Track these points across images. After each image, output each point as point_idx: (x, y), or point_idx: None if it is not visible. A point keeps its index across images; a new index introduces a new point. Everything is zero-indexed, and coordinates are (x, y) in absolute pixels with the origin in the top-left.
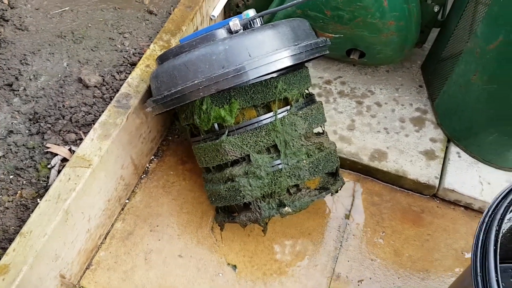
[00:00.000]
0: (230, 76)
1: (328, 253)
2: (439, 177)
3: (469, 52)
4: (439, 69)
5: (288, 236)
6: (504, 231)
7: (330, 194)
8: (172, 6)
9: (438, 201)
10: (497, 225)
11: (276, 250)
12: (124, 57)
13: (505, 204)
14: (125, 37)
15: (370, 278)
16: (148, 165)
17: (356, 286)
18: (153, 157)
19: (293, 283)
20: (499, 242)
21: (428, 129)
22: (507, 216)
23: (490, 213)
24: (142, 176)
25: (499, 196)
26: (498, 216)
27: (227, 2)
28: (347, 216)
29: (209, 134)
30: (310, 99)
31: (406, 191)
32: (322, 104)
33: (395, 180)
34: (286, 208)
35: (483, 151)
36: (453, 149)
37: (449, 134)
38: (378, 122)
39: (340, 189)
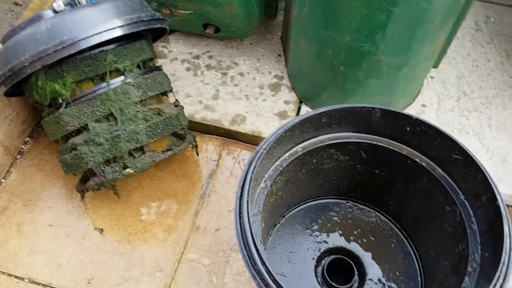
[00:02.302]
0: (51, 52)
1: (190, 209)
2: None
3: (295, 19)
4: (287, 37)
5: (155, 199)
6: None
7: (174, 154)
8: None
9: None
10: (257, 159)
11: (142, 212)
12: None
13: (267, 142)
14: None
15: (226, 226)
16: (23, 146)
17: (213, 235)
18: (28, 138)
19: (155, 239)
20: (255, 172)
21: (283, 93)
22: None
23: (257, 150)
24: (17, 157)
25: (269, 137)
26: (261, 151)
27: None
28: (211, 176)
29: (51, 109)
30: (148, 70)
31: None
32: (163, 73)
33: (253, 140)
34: (128, 169)
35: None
36: (304, 108)
37: (300, 96)
38: (240, 90)
39: (196, 149)
